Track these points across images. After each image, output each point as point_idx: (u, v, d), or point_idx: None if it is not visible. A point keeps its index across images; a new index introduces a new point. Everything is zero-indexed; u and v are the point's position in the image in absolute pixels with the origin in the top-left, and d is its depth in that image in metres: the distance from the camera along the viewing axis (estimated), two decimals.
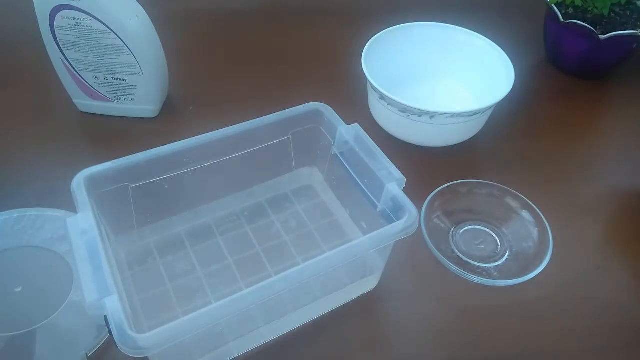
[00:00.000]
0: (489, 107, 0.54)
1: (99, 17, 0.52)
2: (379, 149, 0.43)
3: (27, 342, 0.41)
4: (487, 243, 0.50)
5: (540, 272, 0.46)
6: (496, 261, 0.49)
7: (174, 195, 0.45)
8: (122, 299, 0.35)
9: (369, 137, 0.44)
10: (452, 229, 0.51)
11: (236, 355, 0.42)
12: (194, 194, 0.47)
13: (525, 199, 0.52)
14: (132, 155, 0.42)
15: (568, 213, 0.53)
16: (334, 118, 0.46)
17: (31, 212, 0.49)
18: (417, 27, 0.63)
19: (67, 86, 0.59)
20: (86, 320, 0.42)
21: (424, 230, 0.49)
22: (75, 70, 0.57)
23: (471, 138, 0.58)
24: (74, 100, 0.60)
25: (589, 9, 0.65)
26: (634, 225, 0.53)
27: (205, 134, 0.44)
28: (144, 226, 0.47)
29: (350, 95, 0.64)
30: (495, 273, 0.48)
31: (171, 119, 0.61)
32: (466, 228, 0.51)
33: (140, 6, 0.55)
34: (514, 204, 0.52)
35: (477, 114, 0.54)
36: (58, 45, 0.54)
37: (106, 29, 0.52)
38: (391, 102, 0.54)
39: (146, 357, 0.34)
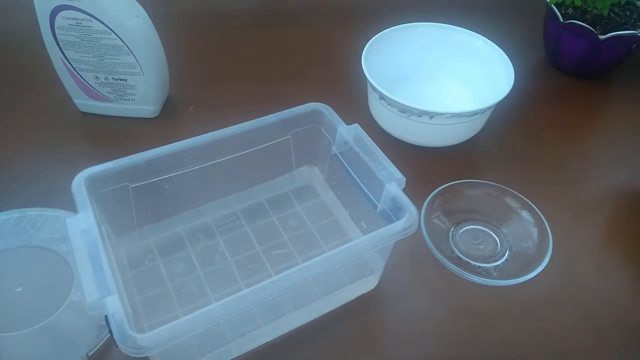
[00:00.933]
0: (489, 107, 0.54)
1: (99, 18, 0.52)
2: (379, 149, 0.43)
3: (28, 341, 0.41)
4: (486, 243, 0.50)
5: (540, 272, 0.46)
6: (496, 261, 0.49)
7: (174, 195, 0.45)
8: (123, 298, 0.35)
9: (369, 137, 0.44)
10: (452, 229, 0.51)
11: (236, 355, 0.42)
12: (194, 194, 0.47)
13: (525, 199, 0.52)
14: (133, 155, 0.42)
15: (568, 213, 0.53)
16: (334, 118, 0.46)
17: (32, 212, 0.49)
18: (417, 27, 0.63)
19: (68, 86, 0.59)
20: (86, 320, 0.42)
21: (424, 230, 0.49)
22: (76, 71, 0.57)
23: (471, 138, 0.58)
24: (75, 101, 0.60)
25: (589, 9, 0.65)
26: (633, 226, 0.53)
27: (206, 134, 0.44)
28: (144, 226, 0.47)
29: (350, 95, 0.64)
30: (495, 273, 0.48)
31: (171, 119, 0.61)
32: (466, 228, 0.51)
33: (141, 6, 0.55)
34: (513, 204, 0.52)
35: (477, 114, 0.54)
36: (58, 45, 0.54)
37: (106, 29, 0.52)
38: (391, 102, 0.54)
39: (146, 356, 0.34)
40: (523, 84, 0.60)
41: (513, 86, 0.55)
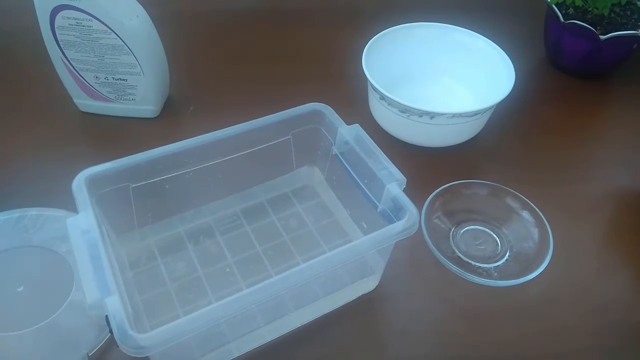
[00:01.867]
0: (490, 108, 0.54)
1: (99, 17, 0.52)
2: (379, 149, 0.43)
3: (28, 341, 0.41)
4: (487, 243, 0.50)
5: (541, 273, 0.46)
6: (496, 261, 0.49)
7: (174, 195, 0.45)
8: (123, 298, 0.35)
9: (369, 137, 0.44)
10: (453, 229, 0.51)
11: (236, 355, 0.42)
12: (194, 194, 0.47)
13: (525, 199, 0.52)
14: (133, 155, 0.42)
15: (568, 213, 0.53)
16: (334, 118, 0.46)
17: (32, 211, 0.49)
18: (417, 27, 0.63)
19: (68, 86, 0.59)
20: (87, 319, 0.42)
21: (424, 231, 0.49)
22: (76, 70, 0.57)
23: (472, 138, 0.58)
24: (75, 100, 0.60)
25: (590, 9, 0.65)
26: (634, 226, 0.53)
27: (206, 134, 0.44)
28: (145, 226, 0.47)
29: (351, 95, 0.64)
30: (496, 273, 0.48)
31: (172, 119, 0.61)
32: (466, 228, 0.51)
33: (141, 6, 0.55)
34: (514, 204, 0.52)
35: (478, 114, 0.54)
36: (58, 45, 0.54)
37: (107, 29, 0.52)
38: (391, 103, 0.54)
39: (147, 356, 0.34)
40: (524, 84, 0.59)
41: (514, 86, 0.55)
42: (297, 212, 0.51)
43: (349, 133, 0.45)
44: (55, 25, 0.53)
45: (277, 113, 0.47)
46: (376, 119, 0.59)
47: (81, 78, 0.57)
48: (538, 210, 0.51)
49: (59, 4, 0.51)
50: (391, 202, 0.41)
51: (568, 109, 0.66)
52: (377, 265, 0.45)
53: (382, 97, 0.54)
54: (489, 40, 0.61)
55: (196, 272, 0.45)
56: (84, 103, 0.60)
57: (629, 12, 0.66)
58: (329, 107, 0.47)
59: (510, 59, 0.58)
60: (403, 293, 0.47)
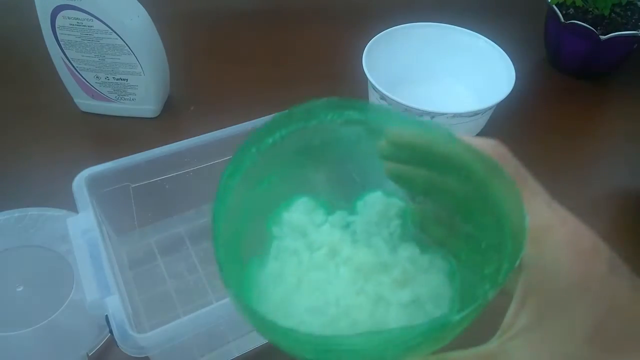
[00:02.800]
0: (490, 108, 0.54)
1: (100, 17, 0.52)
2: None
3: (28, 341, 0.41)
4: None
5: None
6: None
7: (174, 195, 0.45)
8: (123, 298, 0.35)
9: None
10: None
11: (236, 355, 0.42)
12: (194, 194, 0.47)
13: None
14: (133, 155, 0.42)
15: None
16: None
17: (32, 211, 0.49)
18: (417, 27, 0.63)
19: (68, 86, 0.59)
20: (87, 319, 0.42)
21: None
22: (77, 70, 0.57)
23: None
24: (75, 100, 0.60)
25: (590, 9, 0.65)
26: (634, 226, 0.53)
27: (206, 134, 0.44)
28: (145, 226, 0.47)
29: (351, 95, 0.63)
30: None
31: (172, 119, 0.61)
32: None
33: (142, 6, 0.55)
34: None
35: (478, 114, 0.54)
36: (59, 45, 0.54)
37: (107, 29, 0.52)
38: (392, 102, 0.54)
39: (147, 356, 0.34)
40: (524, 84, 0.59)
41: (514, 86, 0.55)
42: None
43: None
44: (56, 25, 0.53)
45: (278, 113, 0.46)
46: None
47: (82, 78, 0.57)
48: None
49: (59, 4, 0.51)
50: None
51: (568, 109, 0.66)
52: None
53: (383, 97, 0.54)
54: (489, 40, 0.61)
55: (196, 272, 0.45)
56: (85, 103, 0.60)
57: (629, 12, 0.66)
58: None
59: (510, 59, 0.58)
60: None
